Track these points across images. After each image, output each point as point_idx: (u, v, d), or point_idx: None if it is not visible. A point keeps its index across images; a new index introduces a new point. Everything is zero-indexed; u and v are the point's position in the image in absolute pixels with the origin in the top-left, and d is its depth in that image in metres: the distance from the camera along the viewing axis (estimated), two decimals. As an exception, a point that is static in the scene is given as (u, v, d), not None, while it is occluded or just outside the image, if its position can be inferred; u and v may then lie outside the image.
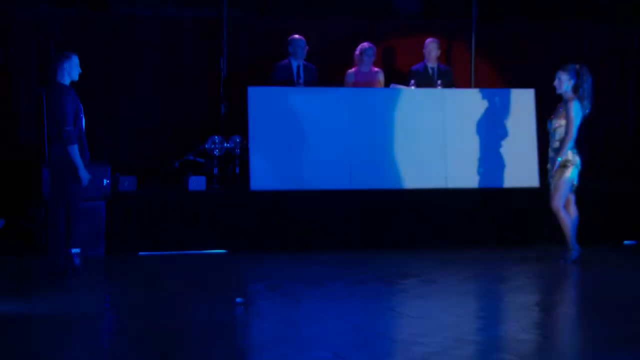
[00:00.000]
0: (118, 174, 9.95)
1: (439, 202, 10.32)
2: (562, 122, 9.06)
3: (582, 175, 9.27)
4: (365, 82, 10.92)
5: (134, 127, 11.57)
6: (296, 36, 10.86)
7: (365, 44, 10.96)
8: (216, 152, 10.45)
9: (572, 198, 9.20)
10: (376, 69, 11.07)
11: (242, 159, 10.47)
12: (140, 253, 9.66)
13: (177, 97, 11.70)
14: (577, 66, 9.12)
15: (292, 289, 7.89)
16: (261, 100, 10.17)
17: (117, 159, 10.98)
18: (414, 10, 12.71)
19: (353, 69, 11.04)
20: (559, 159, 9.00)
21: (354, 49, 11.05)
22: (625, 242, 10.68)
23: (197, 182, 9.94)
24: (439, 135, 10.44)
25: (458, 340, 6.01)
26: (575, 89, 9.10)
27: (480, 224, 10.35)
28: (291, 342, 6.00)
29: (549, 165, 9.24)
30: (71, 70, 8.40)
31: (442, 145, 10.44)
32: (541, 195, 9.80)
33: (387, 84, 10.93)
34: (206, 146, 10.46)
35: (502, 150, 10.50)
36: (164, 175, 10.95)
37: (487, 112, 10.54)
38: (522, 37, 12.59)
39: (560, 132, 9.08)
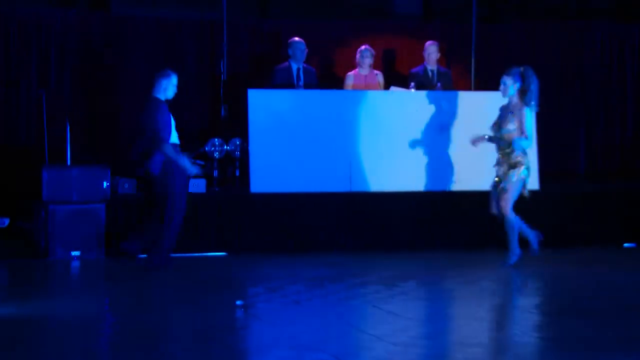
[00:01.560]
0: (117, 177, 9.99)
1: (440, 205, 10.34)
2: (512, 126, 8.88)
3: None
4: (365, 84, 10.95)
5: (134, 129, 11.57)
6: (296, 39, 10.90)
7: (363, 47, 11.00)
8: (216, 154, 10.47)
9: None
10: (376, 72, 11.10)
11: (242, 161, 10.49)
12: (140, 256, 9.66)
13: (176, 99, 11.62)
14: (521, 68, 8.94)
15: (292, 291, 7.88)
16: (261, 103, 10.19)
17: (116, 162, 11.00)
18: (414, 13, 12.74)
19: (352, 72, 11.06)
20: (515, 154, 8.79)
21: (354, 52, 11.09)
22: (625, 244, 10.70)
23: (197, 185, 9.91)
24: (439, 138, 10.47)
25: (458, 344, 6.05)
26: (522, 92, 8.96)
27: (481, 226, 10.27)
28: (291, 345, 6.01)
29: (495, 167, 9.02)
30: (167, 89, 8.73)
31: (443, 148, 10.46)
32: (542, 198, 9.85)
33: (387, 87, 10.97)
34: (206, 149, 10.46)
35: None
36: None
37: (487, 114, 10.55)
38: (523, 38, 12.63)
39: (509, 139, 8.89)
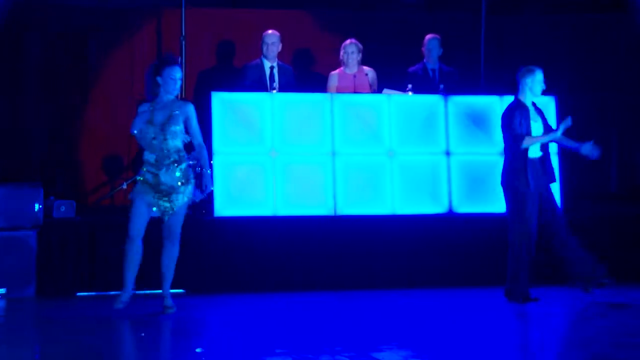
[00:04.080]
0: (52, 198, 9.99)
1: (441, 232, 10.29)
2: (178, 127, 8.52)
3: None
4: (352, 85, 10.91)
5: (72, 140, 11.50)
6: (269, 31, 10.85)
7: (348, 41, 10.98)
8: (171, 171, 10.42)
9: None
10: (366, 69, 11.05)
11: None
12: (79, 293, 9.64)
13: (124, 103, 11.65)
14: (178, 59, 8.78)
15: (260, 339, 7.70)
16: (227, 108, 10.18)
17: (51, 179, 10.91)
18: (413, 1, 12.72)
19: (337, 71, 11.07)
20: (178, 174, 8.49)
21: (340, 47, 11.04)
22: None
23: (148, 208, 9.91)
24: (441, 151, 10.42)
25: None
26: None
27: (490, 257, 10.20)
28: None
29: (147, 176, 8.52)
30: (533, 86, 9.27)
31: (445, 163, 10.45)
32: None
33: (379, 88, 10.90)
34: (159, 164, 10.41)
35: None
36: (108, 199, 10.85)
37: (499, 121, 10.53)
38: (542, 32, 12.65)
39: (174, 144, 8.54)
